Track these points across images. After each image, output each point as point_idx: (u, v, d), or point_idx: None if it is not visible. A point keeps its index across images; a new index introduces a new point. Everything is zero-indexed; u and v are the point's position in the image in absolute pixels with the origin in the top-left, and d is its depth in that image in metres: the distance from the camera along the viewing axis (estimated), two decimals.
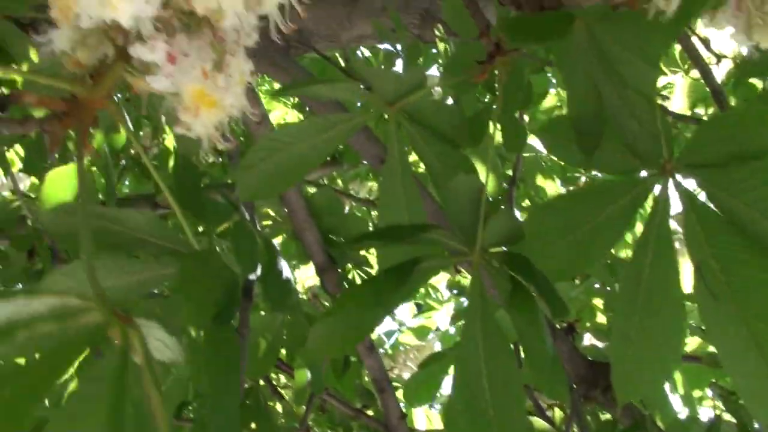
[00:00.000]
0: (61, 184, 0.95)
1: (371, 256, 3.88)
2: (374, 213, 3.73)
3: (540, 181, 2.73)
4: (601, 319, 2.70)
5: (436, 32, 1.96)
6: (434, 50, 2.44)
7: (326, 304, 3.34)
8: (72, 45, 0.63)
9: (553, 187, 3.19)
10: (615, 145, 0.91)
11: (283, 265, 1.51)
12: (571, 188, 2.82)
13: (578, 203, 0.96)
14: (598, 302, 2.66)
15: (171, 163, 2.58)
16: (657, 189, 0.91)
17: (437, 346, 4.26)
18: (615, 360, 0.96)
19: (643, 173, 0.92)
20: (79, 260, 0.66)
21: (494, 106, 1.02)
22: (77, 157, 0.61)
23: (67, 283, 0.65)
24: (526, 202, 3.10)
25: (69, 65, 0.63)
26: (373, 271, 2.76)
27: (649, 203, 0.92)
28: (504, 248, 0.99)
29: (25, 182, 3.53)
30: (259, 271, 1.35)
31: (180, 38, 0.57)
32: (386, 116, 1.03)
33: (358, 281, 2.58)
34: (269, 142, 0.96)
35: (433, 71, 2.79)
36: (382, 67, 2.57)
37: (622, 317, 0.94)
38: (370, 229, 2.94)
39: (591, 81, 0.87)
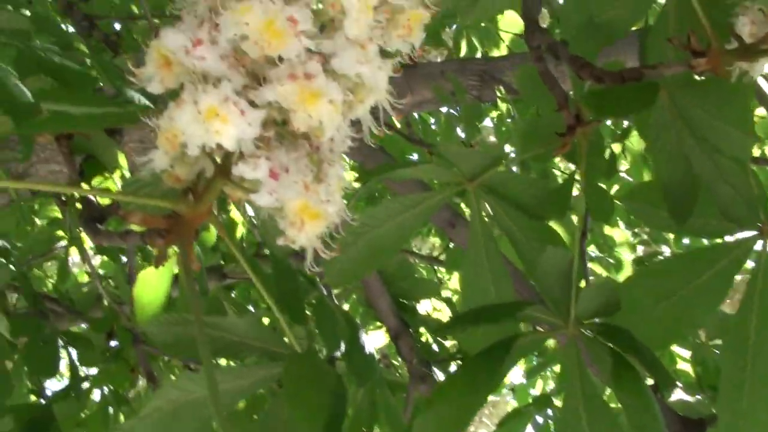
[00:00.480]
0: (152, 285, 0.97)
1: (439, 313, 3.86)
2: (439, 270, 3.72)
3: (607, 230, 2.69)
4: (681, 365, 2.62)
5: (497, 93, 1.97)
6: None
7: (395, 364, 3.32)
8: (171, 163, 0.64)
9: (620, 234, 3.14)
10: (705, 209, 0.89)
11: (365, 339, 1.50)
12: (665, 253, 2.78)
13: (675, 269, 0.93)
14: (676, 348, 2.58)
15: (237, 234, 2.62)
16: (757, 247, 0.88)
17: (512, 402, 4.18)
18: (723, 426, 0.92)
19: (740, 235, 0.90)
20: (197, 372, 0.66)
21: (576, 176, 1.01)
22: (185, 272, 0.61)
23: (188, 387, 0.66)
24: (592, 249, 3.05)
25: (168, 181, 0.65)
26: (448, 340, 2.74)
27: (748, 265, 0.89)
28: (599, 320, 0.97)
29: (96, 260, 3.62)
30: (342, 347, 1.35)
31: (279, 153, 0.57)
32: (467, 192, 1.02)
33: (435, 347, 2.57)
34: (356, 227, 0.96)
35: (487, 122, 2.81)
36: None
37: (730, 384, 0.91)
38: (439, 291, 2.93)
39: (677, 148, 0.85)
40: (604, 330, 0.94)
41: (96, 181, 0.93)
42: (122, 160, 0.94)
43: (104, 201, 0.93)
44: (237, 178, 0.60)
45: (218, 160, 0.62)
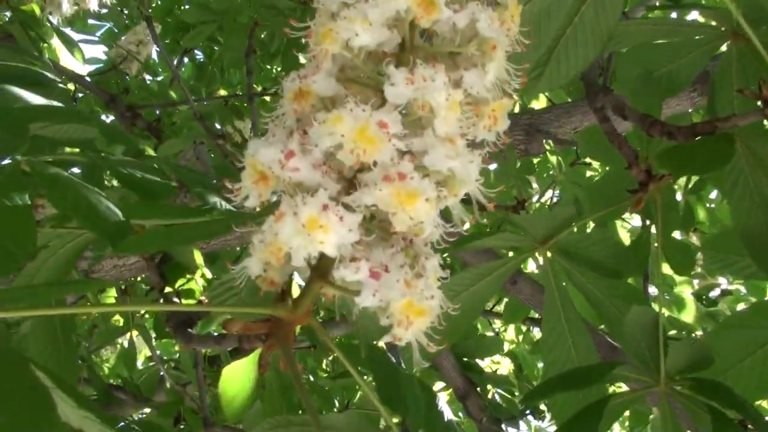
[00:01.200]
0: (237, 379, 0.97)
1: (499, 366, 3.80)
2: (493, 321, 3.67)
3: (666, 269, 2.64)
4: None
5: (546, 146, 1.97)
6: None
7: (460, 420, 3.27)
8: (264, 267, 0.65)
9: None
10: None
11: (443, 405, 1.48)
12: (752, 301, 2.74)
13: (764, 316, 0.91)
14: None
15: None
16: None
17: None
18: None
19: None
20: None
21: (653, 231, 1.00)
22: (294, 377, 0.62)
23: None
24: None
25: (263, 286, 0.65)
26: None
27: None
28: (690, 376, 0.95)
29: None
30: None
31: (377, 252, 0.58)
32: (539, 256, 1.02)
33: (500, 401, 2.53)
34: None
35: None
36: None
37: None
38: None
39: (757, 196, 0.84)
40: (698, 385, 0.92)
41: (180, 282, 0.95)
42: (198, 256, 0.96)
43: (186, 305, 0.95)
44: (338, 280, 0.61)
45: (314, 263, 0.62)
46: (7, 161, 0.69)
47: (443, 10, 0.55)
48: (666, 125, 0.85)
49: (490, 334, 3.47)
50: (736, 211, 0.90)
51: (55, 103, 0.83)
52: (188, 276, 0.97)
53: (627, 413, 2.74)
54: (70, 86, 2.88)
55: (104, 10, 3.30)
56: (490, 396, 2.59)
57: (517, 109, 2.49)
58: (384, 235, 0.61)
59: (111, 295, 3.08)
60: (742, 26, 0.91)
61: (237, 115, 2.76)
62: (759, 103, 0.78)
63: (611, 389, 1.14)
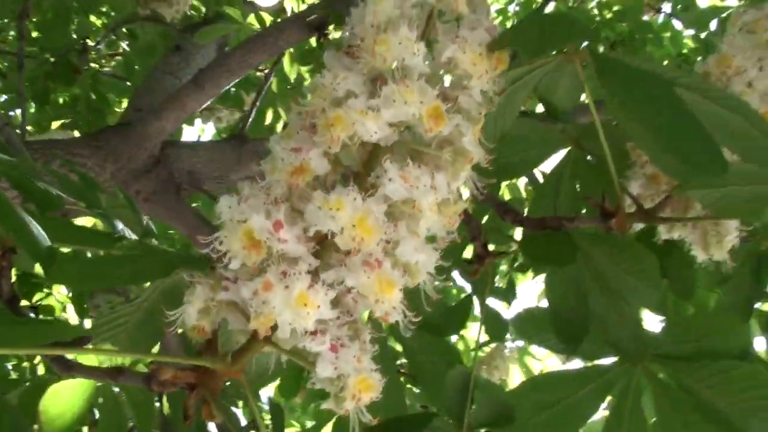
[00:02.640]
0: (64, 399, 0.91)
1: None
2: None
3: None
4: None
5: None
6: None
7: None
8: (199, 317, 0.66)
9: None
10: (593, 337, 1.04)
11: None
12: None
13: (556, 383, 1.08)
14: None
15: None
16: (630, 376, 1.05)
17: None
18: None
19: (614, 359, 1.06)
20: None
21: (474, 298, 1.12)
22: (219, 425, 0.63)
23: None
24: None
25: (194, 334, 0.66)
26: None
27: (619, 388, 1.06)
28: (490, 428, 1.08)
29: None
30: None
31: (333, 326, 0.62)
32: None
33: None
34: None
35: None
36: None
37: None
38: None
39: (576, 286, 1.00)
40: None
41: (37, 297, 0.86)
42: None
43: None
44: (282, 342, 0.63)
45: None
46: None
47: (449, 124, 0.61)
48: (519, 215, 0.98)
49: None
50: (552, 292, 1.06)
51: None
52: (46, 290, 0.88)
53: None
54: None
55: None
56: None
57: None
58: (343, 311, 0.65)
59: None
60: (580, 141, 1.07)
61: None
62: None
63: None
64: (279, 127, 3.13)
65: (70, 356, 0.73)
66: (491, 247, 1.04)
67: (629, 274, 0.92)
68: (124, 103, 4.65)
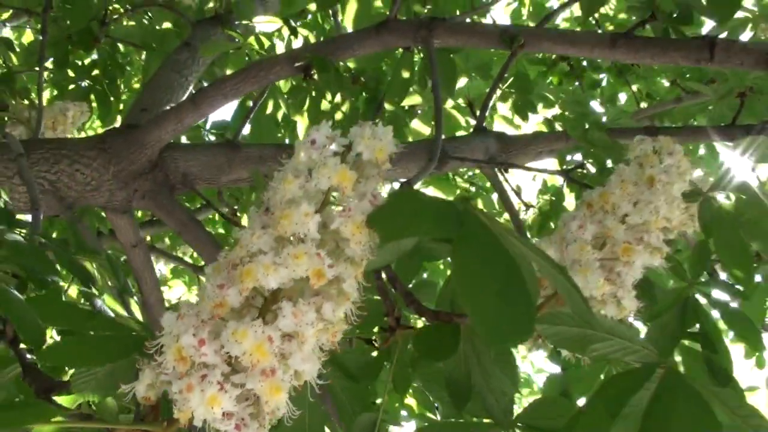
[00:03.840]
0: None
1: None
2: None
3: None
4: None
5: None
6: None
7: None
8: (146, 390, 0.90)
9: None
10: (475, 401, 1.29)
11: None
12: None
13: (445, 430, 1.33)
14: None
15: None
16: None
17: None
18: None
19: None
20: None
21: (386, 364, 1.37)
22: None
23: None
24: None
25: (144, 401, 0.91)
26: None
27: None
28: None
29: None
30: None
31: (240, 409, 0.87)
32: None
33: None
34: None
35: None
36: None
37: None
38: None
39: (462, 360, 1.25)
40: None
41: None
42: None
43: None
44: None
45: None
46: None
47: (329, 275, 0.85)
48: (420, 306, 1.23)
49: None
50: (446, 364, 1.31)
51: None
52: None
53: None
54: None
55: None
56: None
57: None
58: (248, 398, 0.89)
59: None
60: None
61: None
62: None
63: None
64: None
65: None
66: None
67: (495, 363, 1.17)
68: (136, 80, 4.88)
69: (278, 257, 0.85)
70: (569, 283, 0.92)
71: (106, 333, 0.94)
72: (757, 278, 2.78)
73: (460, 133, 3.63)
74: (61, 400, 1.00)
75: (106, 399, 1.04)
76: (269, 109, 3.46)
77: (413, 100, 3.33)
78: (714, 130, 2.58)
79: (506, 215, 3.08)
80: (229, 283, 0.86)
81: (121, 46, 4.33)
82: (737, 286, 2.30)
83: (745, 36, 3.28)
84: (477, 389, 1.26)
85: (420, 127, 3.63)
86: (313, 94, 2.61)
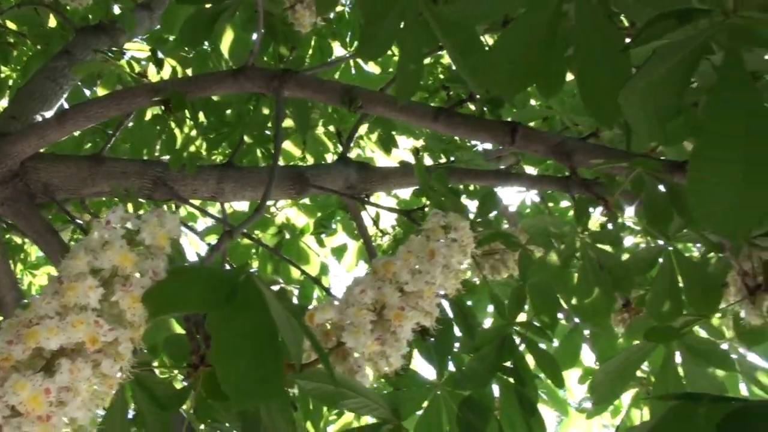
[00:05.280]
0: None
1: None
2: None
3: None
4: None
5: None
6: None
7: None
8: None
9: None
10: None
11: None
12: None
13: None
14: None
15: None
16: None
17: None
18: None
19: None
20: None
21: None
22: None
23: None
24: None
25: None
26: None
27: None
28: None
29: None
30: None
31: None
32: None
33: None
34: None
35: None
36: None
37: None
38: None
39: None
40: None
41: None
42: None
43: None
44: None
45: None
46: None
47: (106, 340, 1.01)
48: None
49: None
50: None
51: None
52: None
53: None
54: None
55: None
56: None
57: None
58: None
59: None
60: None
61: None
62: None
63: None
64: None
65: None
66: None
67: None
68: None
69: (61, 322, 1.00)
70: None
71: None
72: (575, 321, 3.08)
73: (331, 157, 3.82)
74: None
75: None
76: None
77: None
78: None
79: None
80: (17, 340, 1.00)
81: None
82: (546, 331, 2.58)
83: None
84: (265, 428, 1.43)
85: (291, 148, 3.80)
86: (172, 125, 2.74)
